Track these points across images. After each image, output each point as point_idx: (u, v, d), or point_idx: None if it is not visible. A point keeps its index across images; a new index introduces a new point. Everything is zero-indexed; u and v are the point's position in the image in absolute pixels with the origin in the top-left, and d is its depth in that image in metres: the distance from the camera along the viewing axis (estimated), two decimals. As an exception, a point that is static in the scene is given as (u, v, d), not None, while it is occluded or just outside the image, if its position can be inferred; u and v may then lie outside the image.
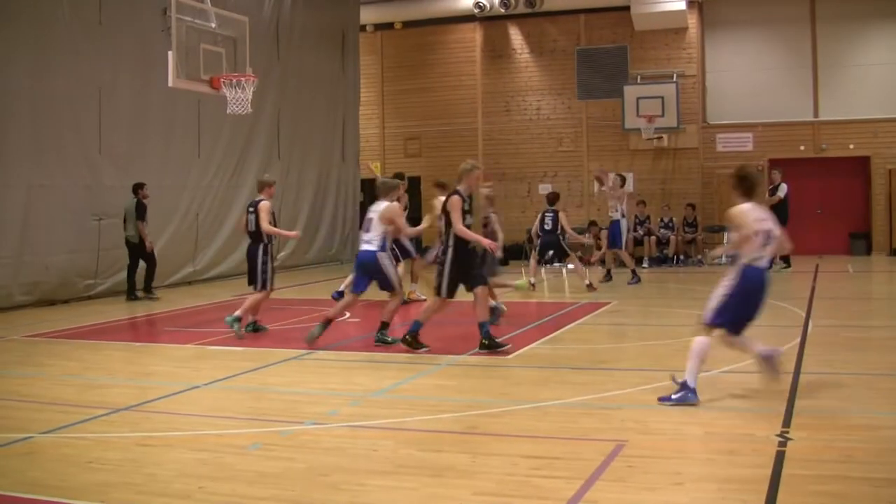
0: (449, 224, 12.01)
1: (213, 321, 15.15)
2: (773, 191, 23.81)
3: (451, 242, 12.04)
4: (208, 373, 11.06)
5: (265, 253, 13.75)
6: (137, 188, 19.18)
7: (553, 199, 20.52)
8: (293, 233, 16.98)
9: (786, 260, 23.71)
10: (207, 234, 22.98)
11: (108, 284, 19.75)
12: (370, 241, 12.55)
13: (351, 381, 10.51)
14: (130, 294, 18.92)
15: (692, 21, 28.62)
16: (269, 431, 8.15)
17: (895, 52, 27.41)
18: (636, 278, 20.59)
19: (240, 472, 6.92)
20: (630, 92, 28.12)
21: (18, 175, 17.87)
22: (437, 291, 12.21)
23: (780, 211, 23.78)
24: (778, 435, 7.57)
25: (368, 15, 30.65)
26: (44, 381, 10.80)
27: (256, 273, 13.80)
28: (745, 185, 9.24)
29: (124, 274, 19.51)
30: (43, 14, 18.21)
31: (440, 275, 12.17)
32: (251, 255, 13.95)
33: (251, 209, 13.90)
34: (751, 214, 8.93)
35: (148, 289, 19.12)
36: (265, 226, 13.58)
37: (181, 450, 7.63)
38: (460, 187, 12.14)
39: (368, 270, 12.62)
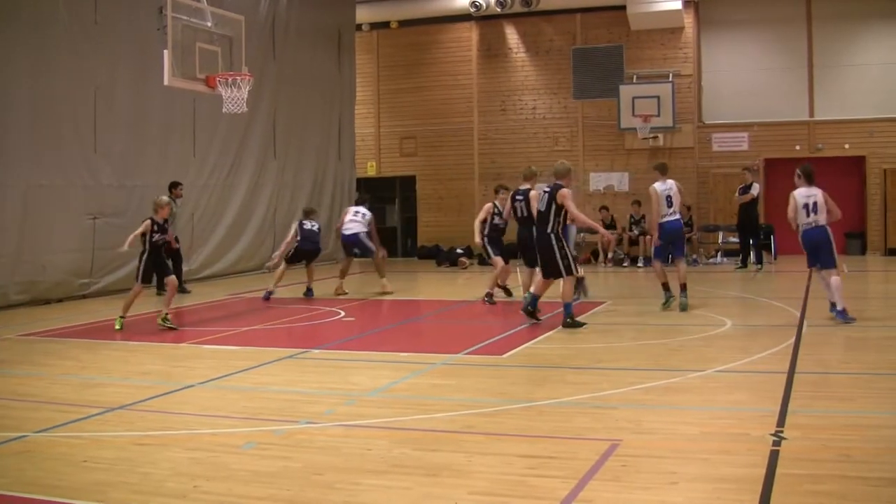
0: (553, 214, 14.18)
1: (208, 320, 15.18)
2: (745, 190, 23.88)
3: (555, 229, 14.12)
4: (203, 372, 11.06)
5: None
6: (171, 187, 19.46)
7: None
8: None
9: (759, 259, 23.83)
10: (203, 233, 22.99)
11: (103, 284, 19.76)
12: None
13: (346, 381, 10.51)
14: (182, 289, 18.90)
15: (688, 20, 28.67)
16: (264, 430, 8.16)
17: (891, 52, 27.49)
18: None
19: (235, 471, 6.92)
20: (626, 91, 28.15)
21: (17, 175, 17.86)
22: (569, 271, 13.97)
23: (751, 211, 23.90)
24: (773, 434, 7.58)
25: (364, 14, 30.68)
26: (39, 381, 10.80)
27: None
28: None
29: (119, 273, 19.56)
30: (40, 14, 18.20)
31: (564, 257, 13.93)
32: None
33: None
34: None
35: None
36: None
37: (176, 449, 7.63)
38: (563, 182, 14.29)
39: None
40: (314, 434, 8.01)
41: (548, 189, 14.56)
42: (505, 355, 11.87)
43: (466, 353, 11.93)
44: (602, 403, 8.95)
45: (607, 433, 7.77)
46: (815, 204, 14.07)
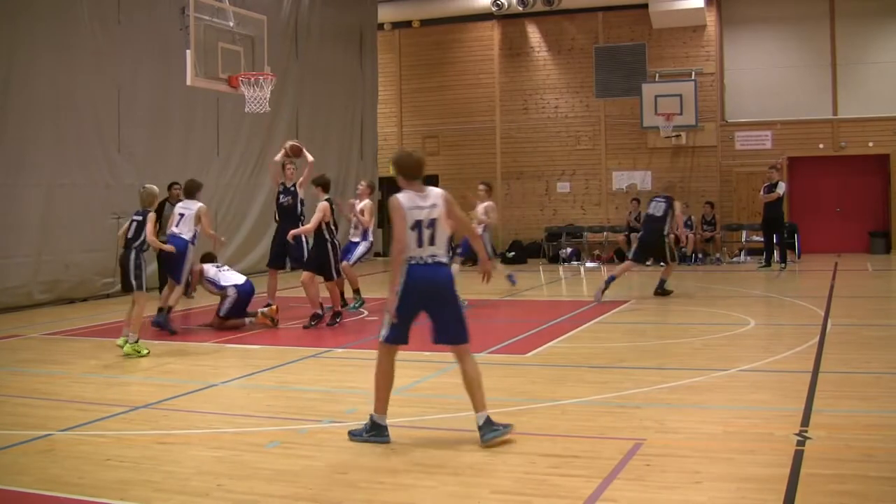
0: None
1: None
2: (770, 188, 23.78)
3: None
4: (226, 371, 11.09)
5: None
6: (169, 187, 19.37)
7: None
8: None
9: (783, 258, 23.71)
10: (227, 231, 23.01)
11: (127, 283, 19.81)
12: None
13: (368, 380, 10.45)
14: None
15: (710, 19, 28.59)
16: (288, 429, 8.17)
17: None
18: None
19: (258, 469, 6.93)
20: (648, 90, 28.10)
21: (40, 174, 17.94)
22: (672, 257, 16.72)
23: (776, 209, 23.78)
24: (797, 434, 7.55)
25: (386, 13, 30.70)
26: (62, 379, 10.84)
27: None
28: None
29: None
30: (63, 14, 18.28)
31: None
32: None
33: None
34: None
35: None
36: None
37: (199, 447, 7.64)
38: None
39: None
40: (338, 433, 8.00)
41: (663, 199, 17.20)
42: (528, 354, 11.86)
43: (489, 353, 11.91)
44: (625, 402, 8.94)
45: (631, 432, 7.75)
46: None
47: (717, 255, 26.12)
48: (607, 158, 29.49)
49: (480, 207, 17.78)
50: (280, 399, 9.57)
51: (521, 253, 28.55)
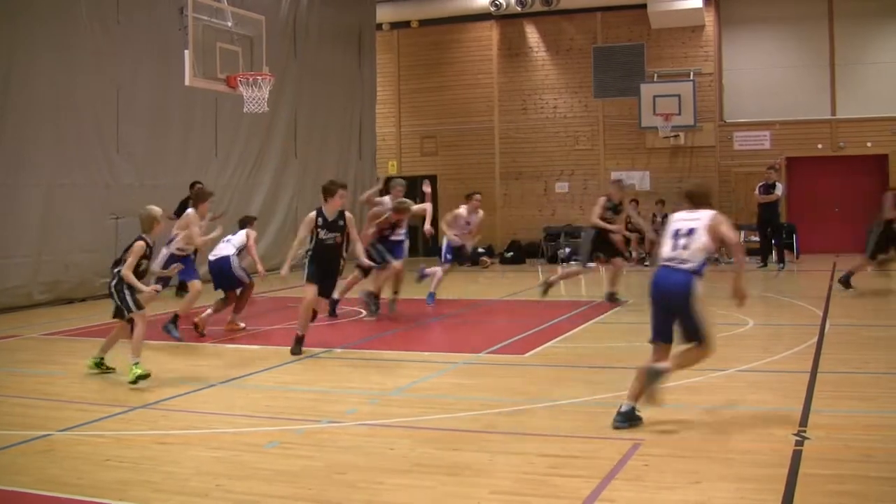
0: None
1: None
2: (768, 189, 23.81)
3: None
4: (225, 371, 11.09)
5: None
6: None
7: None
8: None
9: (781, 258, 23.73)
10: (224, 232, 23.00)
11: (126, 283, 19.81)
12: None
13: (367, 380, 10.52)
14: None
15: (709, 19, 28.60)
16: (287, 430, 8.17)
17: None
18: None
19: (257, 470, 6.93)
20: (647, 90, 28.13)
21: (39, 175, 17.93)
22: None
23: (774, 210, 23.83)
24: (795, 434, 7.56)
25: (385, 13, 30.70)
26: (62, 380, 10.85)
27: None
28: None
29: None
30: (62, 14, 18.28)
31: None
32: None
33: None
34: None
35: None
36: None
37: (199, 448, 7.65)
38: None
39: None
40: (337, 433, 8.02)
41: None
42: (527, 354, 11.87)
43: (488, 353, 11.93)
44: (621, 402, 8.94)
45: (629, 433, 7.75)
46: None
47: (716, 255, 26.10)
48: (606, 158, 29.50)
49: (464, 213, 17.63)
50: (279, 399, 9.58)
51: (519, 253, 28.56)
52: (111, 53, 19.32)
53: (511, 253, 28.52)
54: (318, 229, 12.28)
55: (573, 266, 17.67)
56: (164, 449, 7.63)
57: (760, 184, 24.23)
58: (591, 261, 17.45)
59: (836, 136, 27.62)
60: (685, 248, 8.28)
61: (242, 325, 14.68)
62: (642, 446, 7.30)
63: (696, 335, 8.15)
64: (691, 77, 28.28)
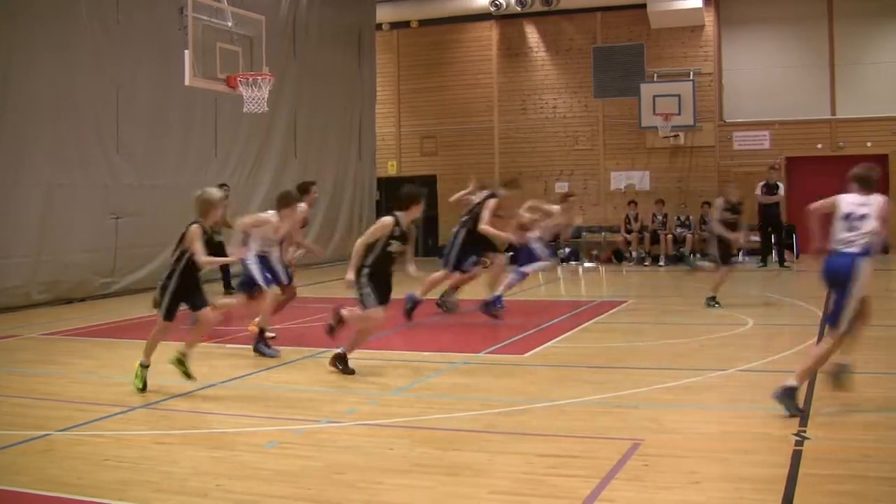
0: None
1: (229, 319, 15.14)
2: (771, 189, 23.87)
3: None
4: (224, 371, 11.08)
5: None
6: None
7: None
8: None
9: (781, 258, 23.78)
10: (225, 232, 23.02)
11: (125, 283, 19.84)
12: None
13: (367, 380, 10.51)
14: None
15: (709, 19, 28.59)
16: (286, 430, 8.17)
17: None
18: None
19: (256, 470, 6.93)
20: (646, 90, 28.11)
21: (39, 174, 17.93)
22: None
23: (776, 210, 23.89)
24: (795, 434, 7.57)
25: (385, 13, 30.68)
26: (60, 379, 10.85)
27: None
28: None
29: (141, 273, 19.82)
30: (62, 14, 18.27)
31: None
32: None
33: None
34: None
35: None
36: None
37: (198, 447, 7.65)
38: None
39: None
40: (336, 433, 8.02)
41: None
42: (526, 354, 11.87)
43: (488, 353, 11.94)
44: (623, 403, 8.95)
45: (629, 432, 7.76)
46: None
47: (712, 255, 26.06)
48: (605, 158, 29.48)
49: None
50: (278, 399, 9.58)
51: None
52: (111, 53, 19.32)
53: (511, 252, 28.44)
54: (392, 240, 10.81)
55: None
56: (164, 449, 7.63)
57: (762, 183, 24.26)
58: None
59: (836, 136, 27.62)
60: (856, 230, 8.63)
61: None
62: (641, 446, 7.30)
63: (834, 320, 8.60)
64: (691, 77, 28.26)
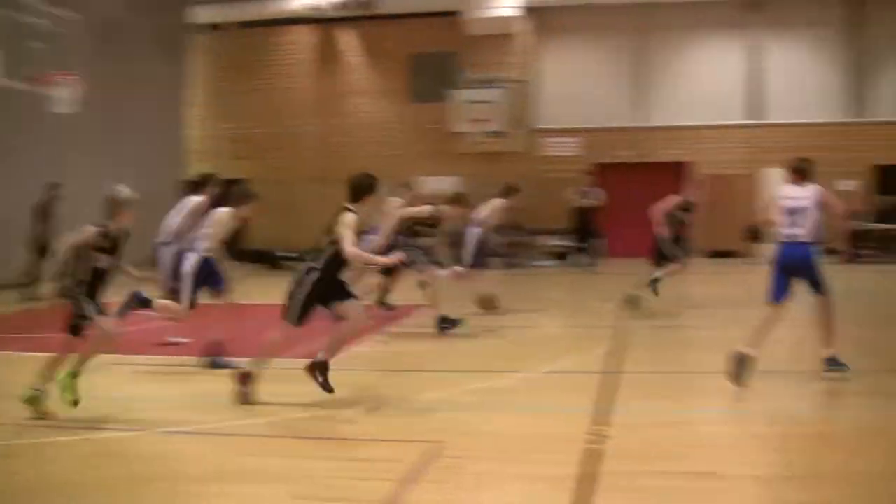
0: None
1: (27, 328, 14.68)
2: (587, 194, 24.56)
3: None
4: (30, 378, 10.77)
5: None
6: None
7: None
8: None
9: (590, 261, 24.42)
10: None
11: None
12: None
13: (168, 387, 10.36)
14: None
15: (523, 27, 29.04)
16: (83, 439, 8.02)
17: (718, 62, 28.54)
18: None
19: (65, 480, 6.81)
20: (460, 96, 28.39)
21: None
22: None
23: (589, 214, 24.52)
24: (595, 433, 7.79)
25: (201, 15, 30.21)
26: None
27: None
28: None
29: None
30: None
31: None
32: None
33: None
34: None
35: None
36: None
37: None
38: None
39: None
40: (136, 442, 7.90)
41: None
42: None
43: (293, 358, 11.78)
44: (426, 406, 9.04)
45: (431, 435, 7.86)
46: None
47: (523, 258, 26.46)
48: (418, 164, 29.55)
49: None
50: (75, 408, 9.26)
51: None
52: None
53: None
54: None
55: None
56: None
57: (577, 188, 24.93)
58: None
59: (644, 144, 28.41)
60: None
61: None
62: (444, 449, 7.41)
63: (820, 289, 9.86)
64: (504, 84, 28.64)
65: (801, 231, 9.76)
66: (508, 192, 16.65)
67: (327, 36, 30.53)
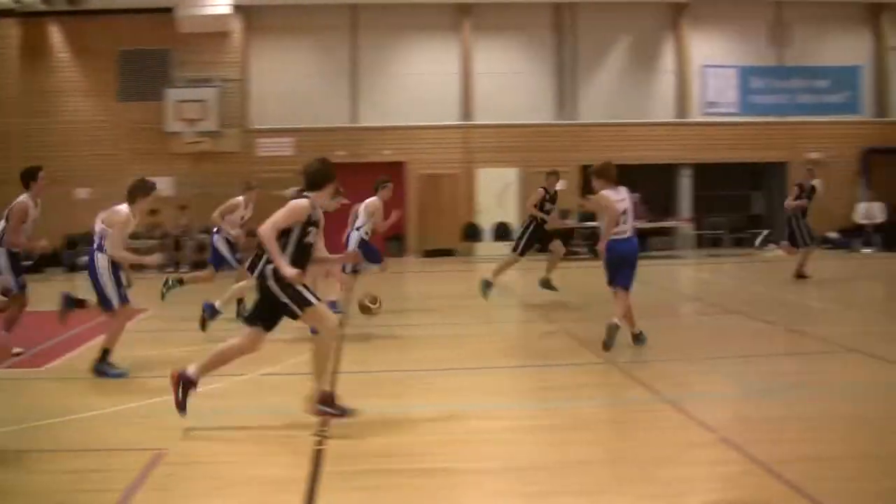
0: None
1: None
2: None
3: None
4: None
5: None
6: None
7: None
8: None
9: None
10: None
11: None
12: None
13: None
14: None
15: (237, 26, 28.91)
16: None
17: (431, 63, 29.28)
18: None
19: None
20: (172, 95, 28.03)
21: None
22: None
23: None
24: (316, 434, 7.83)
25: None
26: None
27: None
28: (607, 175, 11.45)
29: None
30: None
31: None
32: None
33: None
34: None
35: None
36: None
37: None
38: None
39: None
40: None
41: None
42: (44, 367, 11.43)
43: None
44: (148, 412, 8.86)
45: (153, 442, 7.69)
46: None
47: (238, 256, 26.21)
48: (130, 163, 28.77)
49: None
50: None
51: (40, 262, 27.10)
52: None
53: (31, 262, 27.23)
54: (309, 226, 9.09)
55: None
56: None
57: (294, 190, 24.91)
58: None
59: (358, 144, 28.69)
60: None
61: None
62: (166, 455, 7.28)
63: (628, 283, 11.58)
64: (218, 83, 28.37)
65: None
66: (246, 189, 16.60)
67: (32, 30, 29.29)
